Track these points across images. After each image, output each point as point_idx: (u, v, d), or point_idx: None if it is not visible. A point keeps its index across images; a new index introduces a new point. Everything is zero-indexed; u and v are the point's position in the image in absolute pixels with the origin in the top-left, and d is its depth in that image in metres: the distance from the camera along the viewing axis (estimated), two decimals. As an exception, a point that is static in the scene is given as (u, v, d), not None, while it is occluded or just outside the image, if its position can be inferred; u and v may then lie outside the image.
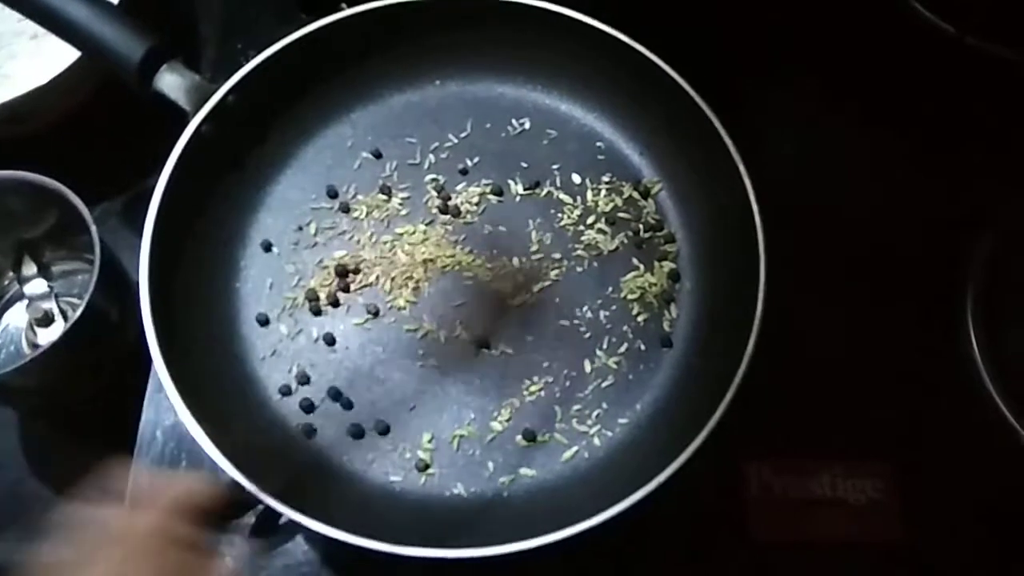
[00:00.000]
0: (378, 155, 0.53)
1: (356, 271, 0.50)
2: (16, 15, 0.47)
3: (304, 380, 0.47)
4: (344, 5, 0.53)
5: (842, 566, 0.47)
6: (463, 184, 0.52)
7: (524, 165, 0.53)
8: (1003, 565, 0.48)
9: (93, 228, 0.47)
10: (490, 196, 0.52)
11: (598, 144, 0.54)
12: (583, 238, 0.51)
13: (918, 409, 0.50)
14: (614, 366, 0.48)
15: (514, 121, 0.54)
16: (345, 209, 0.52)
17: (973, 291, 0.52)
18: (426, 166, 0.53)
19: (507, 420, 0.47)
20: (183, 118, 0.47)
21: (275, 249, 0.50)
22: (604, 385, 0.47)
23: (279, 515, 0.44)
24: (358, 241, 0.51)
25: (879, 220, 0.55)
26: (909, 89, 0.59)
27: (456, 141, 0.54)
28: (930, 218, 0.55)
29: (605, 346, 0.48)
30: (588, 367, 0.48)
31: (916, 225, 0.55)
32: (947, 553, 0.47)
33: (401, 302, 0.49)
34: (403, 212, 0.52)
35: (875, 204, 0.56)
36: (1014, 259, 0.53)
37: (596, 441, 0.46)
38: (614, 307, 0.49)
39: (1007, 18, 0.57)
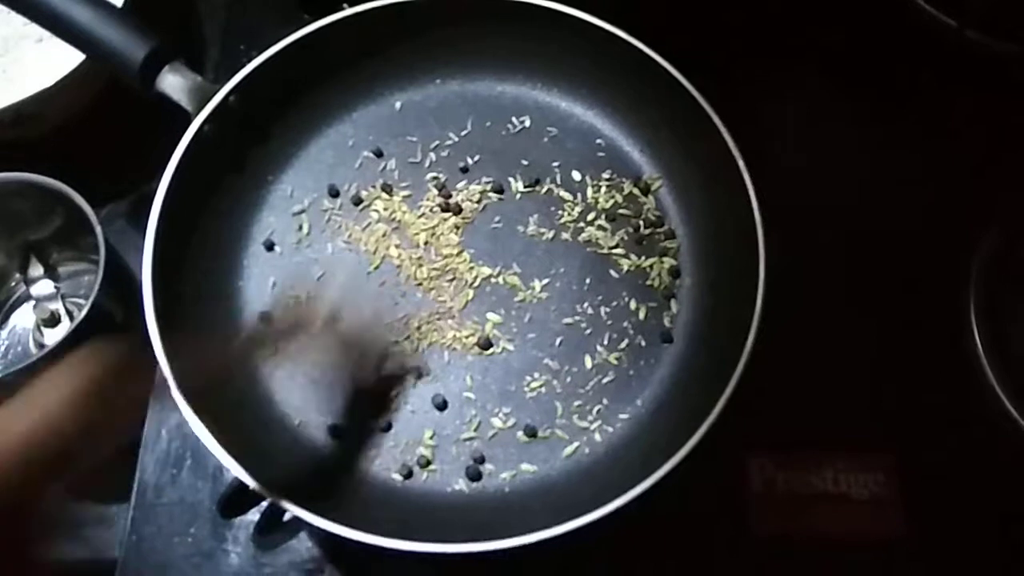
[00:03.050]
0: (379, 153, 0.53)
1: (358, 269, 0.50)
2: (21, 19, 0.48)
3: (307, 378, 0.48)
4: (345, 5, 0.53)
5: (844, 561, 0.47)
6: (464, 182, 0.53)
7: (524, 163, 0.53)
8: (1006, 560, 0.47)
9: (98, 229, 0.48)
10: (491, 194, 0.52)
11: (598, 141, 0.54)
12: (583, 235, 0.51)
13: (921, 404, 0.50)
14: (615, 362, 0.48)
15: (514, 119, 0.54)
16: (346, 207, 0.52)
17: (976, 286, 0.52)
18: (427, 164, 0.53)
19: (508, 416, 0.47)
20: (187, 119, 0.47)
21: (277, 248, 0.51)
22: (605, 381, 0.48)
23: (283, 512, 0.45)
24: (360, 239, 0.51)
25: (880, 215, 0.55)
26: (910, 83, 0.59)
27: (457, 139, 0.54)
28: (933, 213, 0.55)
29: (606, 342, 0.48)
30: (589, 363, 0.48)
31: (919, 221, 0.55)
32: (949, 548, 0.47)
33: (403, 299, 0.50)
34: (404, 210, 0.52)
35: (876, 199, 0.56)
36: (1018, 255, 0.53)
37: (597, 437, 0.46)
38: (614, 303, 0.49)
39: (1008, 12, 0.56)
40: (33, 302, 0.54)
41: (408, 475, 0.46)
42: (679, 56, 0.49)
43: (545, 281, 0.50)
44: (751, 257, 0.45)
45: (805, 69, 0.60)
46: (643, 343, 0.49)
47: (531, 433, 0.46)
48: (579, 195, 0.52)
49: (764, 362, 0.42)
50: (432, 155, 0.53)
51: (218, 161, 0.49)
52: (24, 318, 0.55)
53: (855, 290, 0.53)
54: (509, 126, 0.54)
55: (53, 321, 0.53)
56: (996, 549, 0.47)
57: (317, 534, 0.47)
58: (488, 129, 0.54)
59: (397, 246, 0.51)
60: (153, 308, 0.43)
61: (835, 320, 0.52)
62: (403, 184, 0.53)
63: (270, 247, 0.51)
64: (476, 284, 0.50)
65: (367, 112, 0.54)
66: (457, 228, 0.51)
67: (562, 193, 0.52)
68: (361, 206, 0.52)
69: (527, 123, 0.54)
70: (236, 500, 0.44)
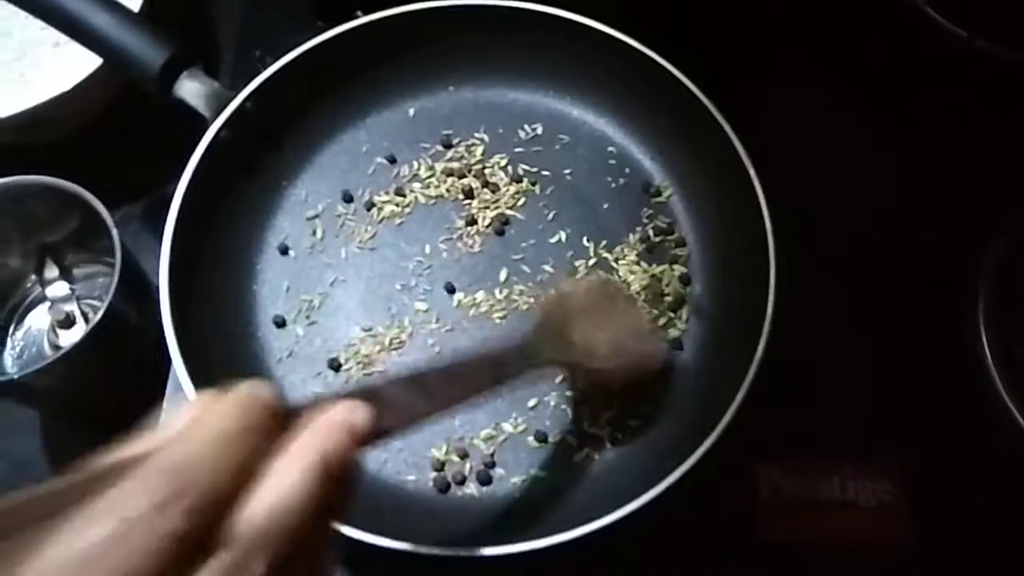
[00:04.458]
0: (392, 160, 0.54)
1: (371, 274, 0.51)
2: (39, 23, 0.48)
3: (320, 381, 0.48)
4: (359, 13, 0.53)
5: (852, 568, 0.47)
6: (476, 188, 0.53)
7: (536, 170, 0.53)
8: (1013, 569, 0.48)
9: (114, 232, 0.48)
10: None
11: (609, 148, 0.54)
12: (594, 242, 0.52)
13: (928, 412, 0.50)
14: (625, 369, 0.48)
15: (526, 126, 0.55)
16: (360, 213, 0.52)
17: (984, 293, 0.52)
18: (439, 171, 0.53)
19: (519, 422, 0.47)
20: (202, 124, 0.48)
21: (291, 252, 0.51)
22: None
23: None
24: (372, 246, 0.52)
25: (889, 223, 0.55)
26: (920, 93, 0.59)
27: (469, 146, 0.54)
28: (940, 223, 0.55)
29: (616, 349, 0.49)
30: (600, 369, 0.48)
31: (926, 229, 0.55)
32: (957, 557, 0.47)
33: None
34: (417, 217, 0.52)
35: (885, 207, 0.56)
36: (1025, 263, 0.53)
37: (607, 443, 0.47)
38: (625, 310, 0.50)
39: (1018, 22, 0.57)
40: (48, 303, 0.55)
41: (419, 479, 0.46)
42: (690, 64, 0.49)
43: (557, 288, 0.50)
44: (761, 265, 0.45)
45: (815, 79, 0.60)
46: (653, 350, 0.49)
47: (542, 439, 0.47)
48: (590, 203, 0.53)
49: (772, 369, 0.42)
50: (444, 162, 0.54)
51: (234, 166, 0.50)
52: (39, 319, 0.55)
53: (863, 297, 0.53)
54: (521, 133, 0.54)
55: (68, 323, 0.54)
56: (1003, 558, 0.48)
57: (328, 536, 0.47)
58: (500, 136, 0.54)
59: (409, 251, 0.51)
60: (169, 310, 0.44)
61: (843, 327, 0.52)
62: (416, 190, 0.53)
63: (284, 251, 0.51)
64: (487, 290, 0.50)
65: (381, 119, 0.55)
66: (468, 234, 0.52)
67: (573, 200, 0.53)
68: (374, 211, 0.52)
69: (539, 130, 0.54)
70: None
